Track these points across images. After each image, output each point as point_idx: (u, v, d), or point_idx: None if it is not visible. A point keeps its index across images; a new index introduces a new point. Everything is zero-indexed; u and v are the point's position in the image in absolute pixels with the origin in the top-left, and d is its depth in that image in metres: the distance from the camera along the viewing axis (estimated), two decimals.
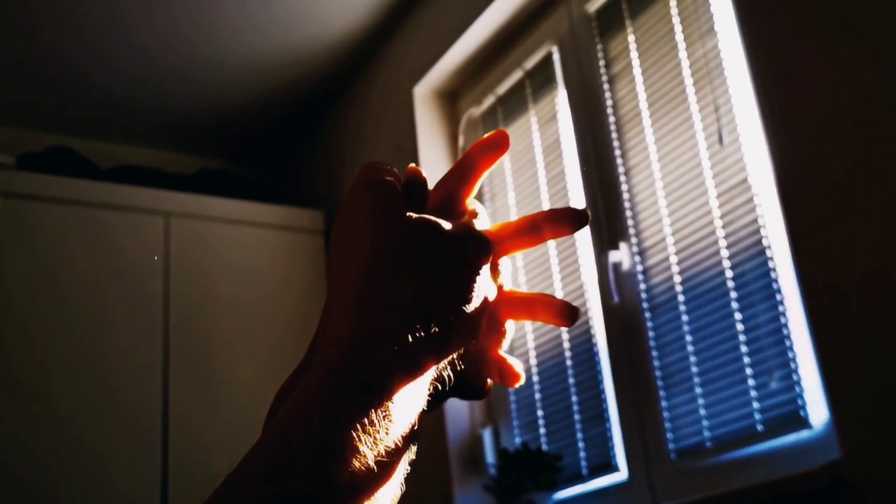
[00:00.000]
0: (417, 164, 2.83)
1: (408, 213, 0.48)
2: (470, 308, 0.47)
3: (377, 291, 0.45)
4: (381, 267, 0.46)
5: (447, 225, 0.49)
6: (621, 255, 2.20)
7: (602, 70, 2.34)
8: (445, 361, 0.47)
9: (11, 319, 2.71)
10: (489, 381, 0.53)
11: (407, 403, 0.44)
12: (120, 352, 2.81)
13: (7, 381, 2.64)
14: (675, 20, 2.14)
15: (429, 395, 0.46)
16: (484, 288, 0.49)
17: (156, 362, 2.85)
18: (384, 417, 0.42)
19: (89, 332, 2.79)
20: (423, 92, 2.94)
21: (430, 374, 0.46)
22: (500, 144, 0.56)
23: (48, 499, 2.59)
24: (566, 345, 2.37)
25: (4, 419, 2.60)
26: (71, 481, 2.61)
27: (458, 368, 0.49)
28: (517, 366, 0.53)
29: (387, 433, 0.42)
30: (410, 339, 0.44)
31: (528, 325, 2.47)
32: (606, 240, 2.25)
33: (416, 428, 0.45)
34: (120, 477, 2.68)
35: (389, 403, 0.42)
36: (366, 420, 0.41)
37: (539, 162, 2.54)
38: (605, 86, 2.33)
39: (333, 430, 0.41)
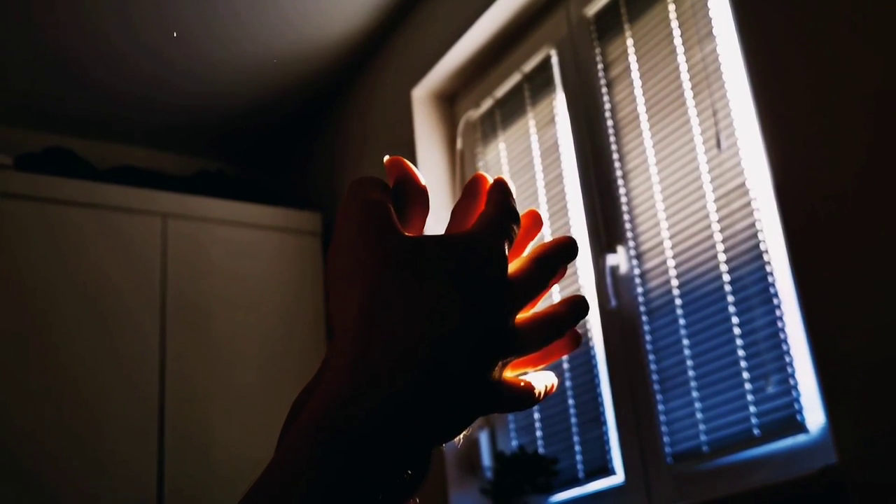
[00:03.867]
0: (415, 166, 2.82)
1: (403, 234, 0.45)
2: (491, 320, 0.44)
3: (374, 335, 0.42)
4: (377, 305, 0.43)
5: (451, 239, 0.45)
6: (619, 259, 2.20)
7: (600, 74, 2.35)
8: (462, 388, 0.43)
9: (8, 321, 2.70)
10: (535, 386, 0.48)
11: (404, 452, 0.41)
12: (116, 354, 2.81)
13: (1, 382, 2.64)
14: (674, 24, 2.14)
15: (449, 424, 0.43)
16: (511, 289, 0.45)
17: (152, 365, 2.85)
18: (373, 474, 0.40)
19: (86, 334, 2.79)
20: (422, 95, 2.94)
21: (443, 408, 0.42)
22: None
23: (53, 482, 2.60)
24: None
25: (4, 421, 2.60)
26: (74, 474, 2.62)
27: (493, 385, 0.44)
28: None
29: (375, 487, 0.40)
30: (412, 387, 0.41)
31: None
32: (604, 243, 2.25)
33: (414, 474, 0.42)
34: (115, 471, 2.68)
35: (381, 458, 0.40)
36: (352, 482, 0.39)
37: (537, 165, 2.54)
38: (604, 89, 2.33)
39: (314, 497, 0.39)
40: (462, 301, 0.43)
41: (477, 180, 0.51)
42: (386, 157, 0.49)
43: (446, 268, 0.43)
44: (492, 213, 0.47)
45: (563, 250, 0.48)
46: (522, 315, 0.47)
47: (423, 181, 0.49)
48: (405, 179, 0.49)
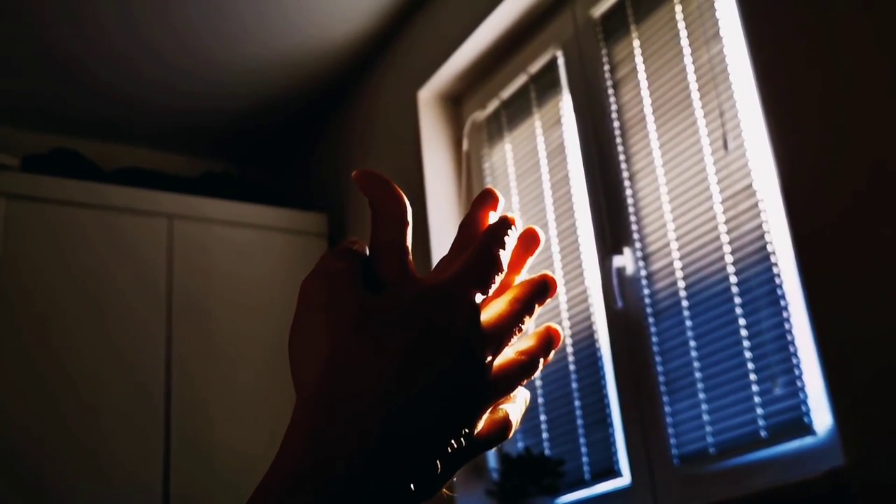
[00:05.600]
0: (421, 168, 2.83)
1: (362, 301, 0.43)
2: (464, 376, 0.42)
3: (330, 410, 0.41)
4: (334, 377, 0.41)
5: (416, 296, 0.43)
6: (625, 260, 2.20)
7: (607, 75, 2.34)
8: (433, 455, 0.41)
9: (13, 322, 2.71)
10: (511, 416, 0.47)
11: None
12: (121, 355, 2.81)
13: (3, 384, 2.64)
14: (681, 25, 2.14)
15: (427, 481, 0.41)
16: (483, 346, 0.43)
17: (159, 365, 2.85)
18: None
19: (91, 335, 2.79)
20: (427, 96, 2.94)
21: (405, 477, 0.40)
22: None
23: (53, 490, 2.60)
24: (569, 349, 2.36)
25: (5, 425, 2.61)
26: (78, 477, 2.62)
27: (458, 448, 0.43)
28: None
29: None
30: (365, 463, 0.39)
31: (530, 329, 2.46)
32: (610, 244, 2.24)
33: None
34: (121, 475, 2.68)
35: None
36: None
37: (543, 166, 2.53)
38: (610, 90, 2.33)
39: None
40: (426, 364, 0.41)
41: (483, 197, 0.50)
42: (354, 172, 0.48)
43: (408, 331, 0.42)
44: (469, 262, 0.45)
45: (540, 290, 0.48)
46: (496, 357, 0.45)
47: (398, 194, 0.47)
48: (378, 196, 0.47)
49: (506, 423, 0.47)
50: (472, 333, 0.43)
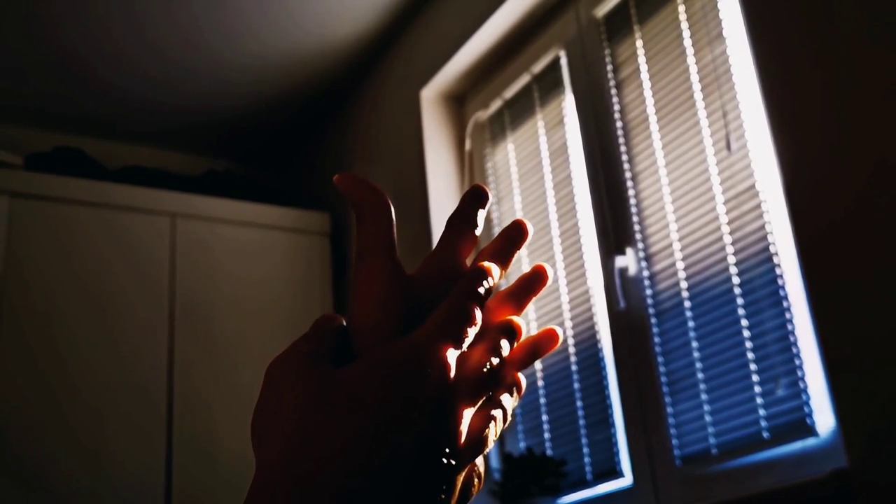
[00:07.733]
0: (423, 167, 2.83)
1: (330, 373, 0.42)
2: (437, 434, 0.41)
3: (286, 488, 0.39)
4: (296, 447, 0.40)
5: (381, 363, 0.42)
6: (628, 261, 2.20)
7: (610, 75, 2.34)
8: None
9: (15, 321, 2.71)
10: (478, 465, 0.45)
11: None
12: (124, 355, 2.81)
13: (5, 383, 2.65)
14: (684, 25, 2.14)
15: None
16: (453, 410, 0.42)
17: (161, 364, 2.85)
18: None
19: (93, 334, 2.79)
20: (430, 95, 2.93)
21: None
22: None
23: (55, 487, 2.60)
24: (571, 349, 2.36)
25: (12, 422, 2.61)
26: (79, 478, 2.62)
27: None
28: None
29: None
30: None
31: (533, 329, 2.46)
32: (613, 245, 2.24)
33: None
34: (123, 475, 2.68)
35: None
36: None
37: (546, 166, 2.53)
38: (613, 90, 2.32)
39: None
40: (394, 433, 0.40)
41: (473, 194, 0.49)
42: (335, 176, 0.47)
43: (374, 400, 0.40)
44: (444, 316, 0.44)
45: (507, 334, 0.47)
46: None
47: (381, 196, 0.47)
48: (361, 199, 0.47)
49: (477, 473, 0.46)
50: (443, 393, 0.42)
